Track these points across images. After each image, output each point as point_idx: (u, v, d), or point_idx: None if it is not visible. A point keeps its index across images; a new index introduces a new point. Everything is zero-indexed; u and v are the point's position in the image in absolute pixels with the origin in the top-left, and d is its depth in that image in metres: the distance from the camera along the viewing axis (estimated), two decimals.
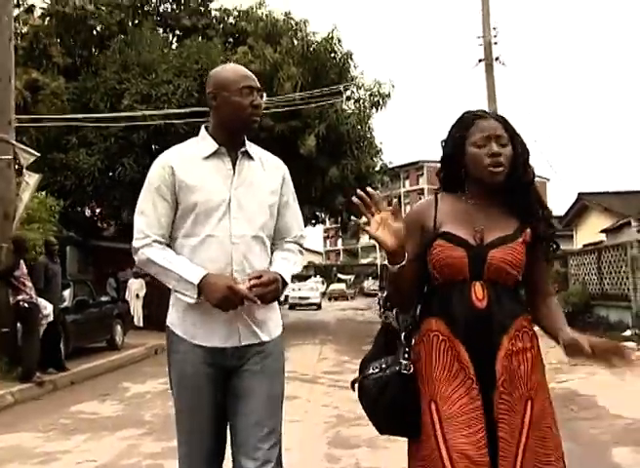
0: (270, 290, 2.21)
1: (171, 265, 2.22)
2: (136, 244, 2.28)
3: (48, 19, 17.85)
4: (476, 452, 1.88)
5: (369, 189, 2.00)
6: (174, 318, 2.32)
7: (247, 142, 2.39)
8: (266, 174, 2.42)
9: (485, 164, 2.02)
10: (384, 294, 2.46)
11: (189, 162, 2.32)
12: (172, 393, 2.36)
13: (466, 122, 2.09)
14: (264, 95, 2.22)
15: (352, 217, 20.26)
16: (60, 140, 15.64)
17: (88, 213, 19.89)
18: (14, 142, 8.43)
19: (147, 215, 2.29)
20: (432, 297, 2.09)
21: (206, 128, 2.40)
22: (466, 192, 2.13)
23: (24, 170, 8.37)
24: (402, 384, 2.02)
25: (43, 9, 18.01)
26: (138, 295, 16.75)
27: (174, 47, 18.24)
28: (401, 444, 4.15)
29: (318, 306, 34.24)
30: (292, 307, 32.40)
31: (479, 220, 2.06)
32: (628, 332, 11.41)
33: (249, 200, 2.32)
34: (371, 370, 2.10)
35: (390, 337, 2.13)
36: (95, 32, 18.47)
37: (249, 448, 2.23)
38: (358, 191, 2.00)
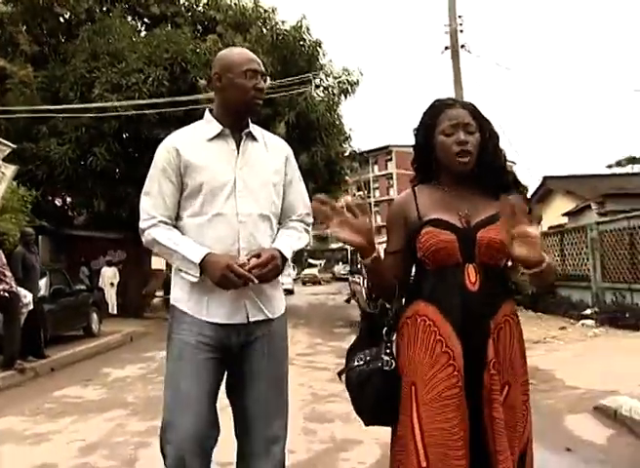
0: (270, 268, 2.25)
1: (175, 245, 2.27)
2: (142, 225, 2.34)
3: (12, 5, 17.66)
4: (449, 438, 1.89)
5: (321, 197, 2.00)
6: (179, 295, 2.35)
7: (250, 124, 2.44)
8: (270, 154, 2.47)
9: (453, 152, 2.04)
10: (367, 285, 2.64)
11: (194, 144, 2.37)
12: (167, 369, 2.33)
13: (436, 111, 2.11)
14: (268, 79, 2.39)
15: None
16: (31, 130, 15.57)
17: (59, 202, 19.85)
18: None
19: (153, 197, 2.35)
20: (423, 282, 2.07)
21: (210, 111, 2.46)
22: (440, 180, 2.14)
23: (0, 161, 8.49)
24: (384, 380, 2.03)
25: None
26: (112, 284, 16.88)
27: (142, 35, 18.20)
28: None
29: (290, 292, 33.32)
30: None
31: (461, 205, 2.06)
32: (588, 311, 11.79)
33: (253, 179, 2.37)
34: (355, 363, 2.11)
35: (374, 327, 2.16)
36: (62, 20, 18.36)
37: (258, 427, 2.33)
38: (314, 203, 2.03)
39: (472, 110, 2.11)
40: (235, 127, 2.40)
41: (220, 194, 2.31)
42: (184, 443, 2.21)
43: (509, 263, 2.09)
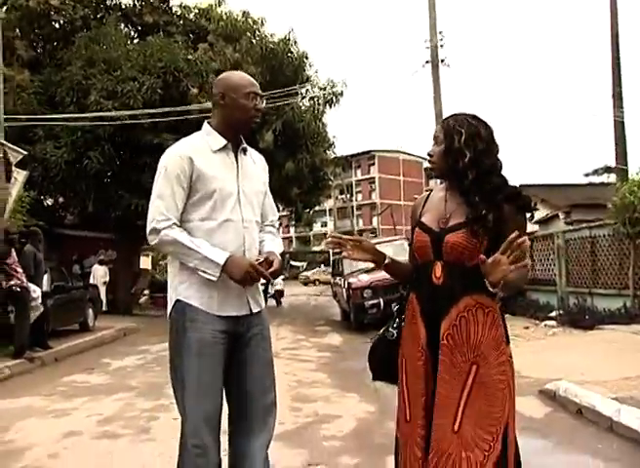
0: (277, 268, 2.61)
1: (197, 247, 2.47)
2: (158, 225, 2.49)
3: (5, 11, 18.17)
4: (416, 402, 2.35)
5: (335, 234, 2.55)
6: (189, 292, 2.54)
7: (242, 139, 2.71)
8: (256, 167, 2.78)
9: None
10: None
11: (203, 154, 2.57)
12: (175, 361, 2.57)
13: None
14: (264, 100, 2.81)
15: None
16: (27, 133, 16.17)
17: (50, 202, 20.42)
18: (3, 142, 9.25)
19: (166, 200, 2.50)
20: (415, 275, 2.50)
21: (208, 123, 2.68)
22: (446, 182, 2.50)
23: (13, 167, 9.18)
24: (386, 347, 2.54)
25: (5, 2, 18.36)
26: (104, 282, 17.51)
27: (136, 43, 18.81)
28: (348, 399, 5.76)
29: (281, 294, 30.18)
30: None
31: (449, 207, 2.39)
32: (554, 313, 12.57)
33: (250, 190, 2.66)
34: (376, 333, 2.66)
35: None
36: (58, 26, 18.97)
37: (258, 398, 2.64)
38: (330, 240, 2.53)
39: (444, 124, 2.41)
40: (233, 141, 2.65)
41: (228, 202, 2.56)
42: (204, 429, 2.49)
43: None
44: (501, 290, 2.21)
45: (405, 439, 2.40)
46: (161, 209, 2.50)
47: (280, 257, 2.69)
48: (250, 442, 2.63)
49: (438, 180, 2.64)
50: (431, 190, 2.61)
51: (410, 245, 2.57)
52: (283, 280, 32.06)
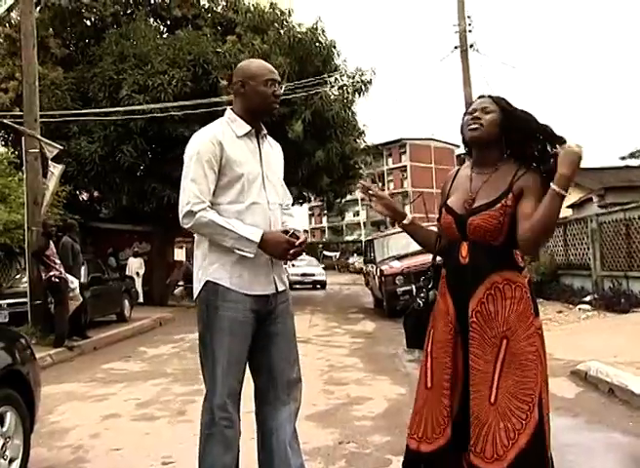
0: (304, 240, 2.71)
1: (232, 227, 2.56)
2: (194, 207, 2.55)
3: (38, 10, 18.55)
4: (443, 372, 2.43)
5: (365, 182, 2.73)
6: (220, 273, 2.62)
7: (262, 126, 2.80)
8: (274, 152, 2.88)
9: (466, 123, 2.48)
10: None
11: (230, 139, 2.66)
12: (205, 339, 2.66)
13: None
14: (283, 87, 2.87)
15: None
16: (62, 129, 16.49)
17: (86, 196, 20.83)
18: (40, 137, 9.50)
19: (200, 183, 2.57)
20: (445, 253, 2.59)
21: (232, 110, 2.76)
22: (472, 159, 2.57)
23: (49, 161, 9.43)
24: (417, 314, 2.65)
25: (38, 2, 18.73)
26: (138, 273, 17.82)
27: (165, 37, 19.03)
28: (380, 382, 5.81)
29: (323, 285, 28.54)
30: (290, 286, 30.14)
31: (474, 186, 2.48)
32: (588, 298, 12.43)
33: (272, 174, 2.77)
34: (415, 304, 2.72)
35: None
36: (89, 24, 19.31)
37: (285, 372, 2.74)
38: (361, 184, 2.72)
39: (494, 98, 2.50)
40: (255, 127, 2.75)
41: (254, 185, 2.66)
42: (230, 403, 2.61)
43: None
44: (557, 198, 2.24)
45: (423, 402, 2.49)
46: (195, 192, 2.57)
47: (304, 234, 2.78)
48: (277, 414, 2.73)
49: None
50: (460, 168, 2.68)
51: (439, 223, 2.64)
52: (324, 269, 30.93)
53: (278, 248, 2.62)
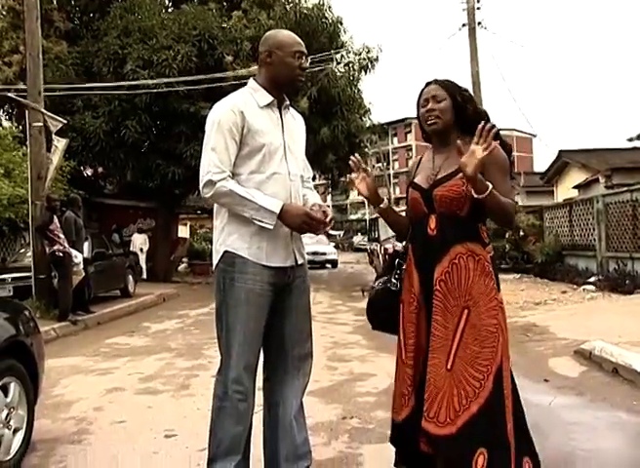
0: (331, 217, 2.67)
1: (252, 197, 2.52)
2: (214, 177, 2.52)
3: None
4: (410, 340, 2.60)
5: (356, 157, 2.77)
6: (239, 244, 2.60)
7: (285, 97, 2.77)
8: (297, 124, 2.86)
9: (424, 118, 2.63)
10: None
11: (252, 109, 2.63)
12: (221, 310, 2.64)
13: (420, 90, 2.69)
14: (309, 59, 2.85)
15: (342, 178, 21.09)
16: (66, 104, 16.38)
17: (90, 172, 20.77)
18: (43, 111, 9.43)
19: (220, 153, 2.55)
20: (412, 229, 2.71)
21: (255, 80, 2.73)
22: (432, 143, 2.72)
23: (53, 135, 9.37)
24: (390, 296, 2.72)
25: None
26: (142, 250, 17.82)
27: (170, 12, 18.85)
28: (383, 358, 5.78)
29: (334, 264, 27.68)
30: None
31: (436, 164, 2.63)
32: (593, 279, 12.43)
33: (294, 145, 2.74)
34: (375, 284, 2.82)
35: (393, 262, 2.81)
36: None
37: (297, 346, 2.76)
38: (352, 157, 2.77)
39: (442, 84, 2.63)
40: (278, 98, 2.72)
41: (276, 156, 2.63)
42: (245, 376, 2.60)
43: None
44: (486, 200, 2.37)
45: (396, 376, 2.71)
46: (216, 161, 2.54)
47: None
48: (285, 388, 2.74)
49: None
50: (423, 155, 2.81)
51: (407, 204, 2.75)
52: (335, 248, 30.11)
53: (297, 220, 2.57)
